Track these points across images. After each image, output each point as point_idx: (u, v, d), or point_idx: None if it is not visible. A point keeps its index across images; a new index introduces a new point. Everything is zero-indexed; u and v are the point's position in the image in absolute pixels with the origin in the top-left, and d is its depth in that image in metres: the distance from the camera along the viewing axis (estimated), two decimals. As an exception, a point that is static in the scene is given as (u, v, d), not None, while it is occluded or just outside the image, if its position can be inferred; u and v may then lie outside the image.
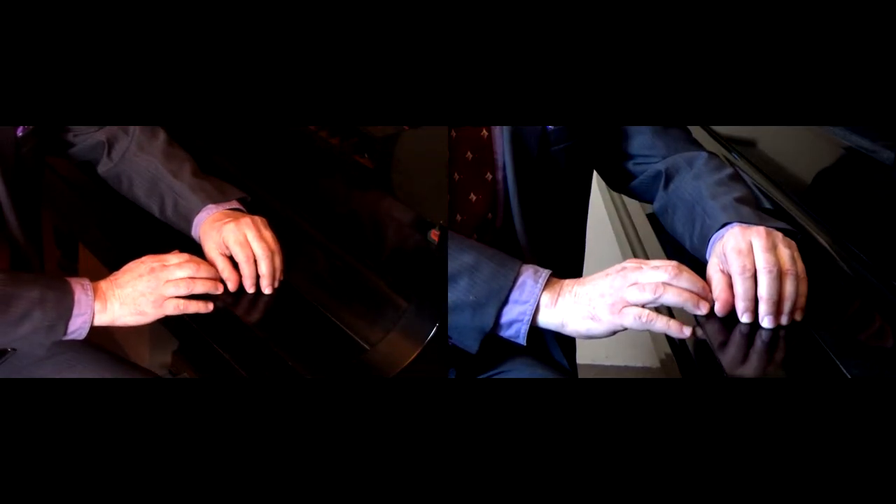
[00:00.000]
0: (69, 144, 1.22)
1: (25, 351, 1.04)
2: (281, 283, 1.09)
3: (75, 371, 1.09)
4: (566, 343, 1.10)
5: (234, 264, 1.08)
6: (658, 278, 0.89)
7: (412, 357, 0.97)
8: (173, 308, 1.04)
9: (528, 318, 0.92)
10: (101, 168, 1.22)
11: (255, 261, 1.07)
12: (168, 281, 1.03)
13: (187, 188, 1.15)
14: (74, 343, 1.13)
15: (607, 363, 2.37)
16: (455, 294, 0.92)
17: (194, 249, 1.08)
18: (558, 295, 0.92)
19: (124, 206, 1.23)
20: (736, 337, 0.87)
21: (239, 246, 1.07)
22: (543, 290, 0.92)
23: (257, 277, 1.08)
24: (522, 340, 0.93)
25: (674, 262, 0.90)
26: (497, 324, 0.92)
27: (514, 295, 0.92)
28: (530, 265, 0.94)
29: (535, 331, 1.05)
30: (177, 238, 1.14)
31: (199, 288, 1.05)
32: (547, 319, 0.93)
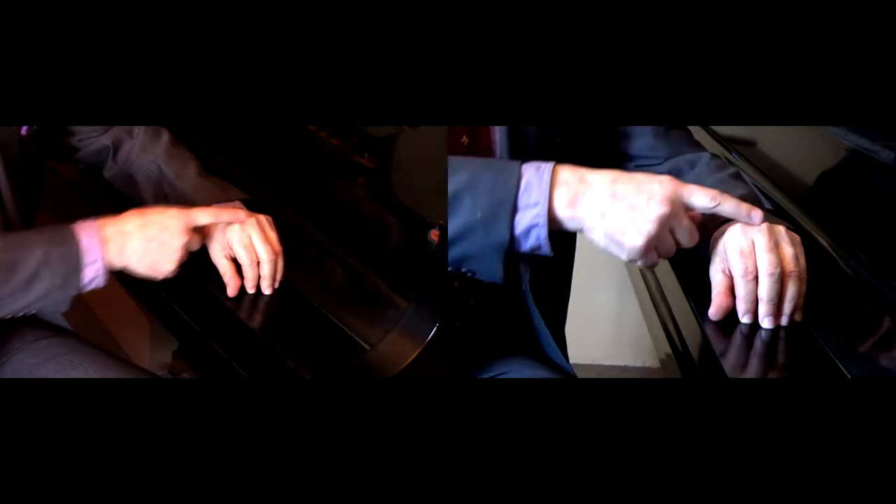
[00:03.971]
0: (74, 149, 1.22)
1: (48, 310, 0.99)
2: (281, 283, 1.09)
3: (76, 371, 1.09)
4: (561, 342, 1.10)
5: (237, 266, 1.08)
6: (702, 203, 0.86)
7: (412, 357, 0.97)
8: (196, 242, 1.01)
9: (543, 220, 0.85)
10: (107, 172, 1.22)
11: (259, 263, 1.07)
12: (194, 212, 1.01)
13: (190, 188, 1.15)
14: (75, 343, 1.13)
15: (607, 363, 2.38)
16: (461, 217, 0.85)
17: (198, 250, 1.08)
18: (575, 198, 0.85)
19: (124, 207, 1.23)
20: (736, 337, 0.87)
21: (244, 249, 1.07)
22: (555, 185, 0.85)
23: (258, 278, 1.08)
24: (546, 248, 0.86)
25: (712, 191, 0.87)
26: (513, 238, 0.85)
27: (522, 200, 0.85)
28: (532, 163, 0.86)
29: (532, 331, 1.06)
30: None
31: (225, 217, 1.04)
32: (565, 223, 0.86)
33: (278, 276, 1.09)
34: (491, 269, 0.87)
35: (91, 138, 1.21)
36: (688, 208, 0.87)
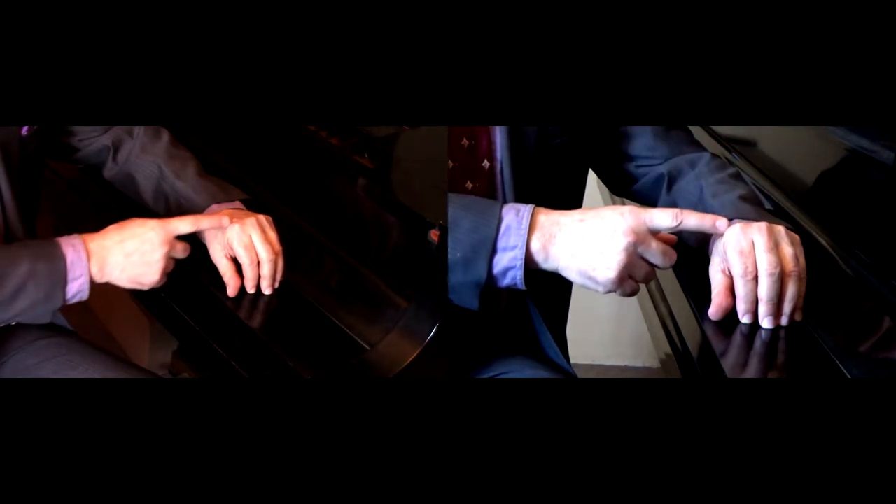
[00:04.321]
0: (74, 149, 1.22)
1: (30, 322, 1.00)
2: (281, 283, 1.09)
3: (76, 371, 1.09)
4: (562, 342, 1.10)
5: (237, 266, 1.08)
6: (665, 223, 0.88)
7: (412, 357, 0.97)
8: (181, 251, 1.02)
9: (520, 262, 0.89)
10: (107, 172, 1.22)
11: (259, 263, 1.07)
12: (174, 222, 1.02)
13: (190, 188, 1.15)
14: (75, 343, 1.13)
15: (607, 363, 2.38)
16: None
17: (198, 250, 1.08)
18: (548, 241, 0.89)
19: (124, 207, 1.23)
20: (736, 337, 0.87)
21: (244, 249, 1.07)
22: (533, 229, 0.89)
23: (258, 278, 1.08)
24: (522, 286, 0.90)
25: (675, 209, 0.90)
26: (491, 275, 0.90)
27: (501, 243, 0.89)
28: (511, 206, 0.90)
29: (532, 331, 1.06)
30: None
31: (206, 223, 1.05)
32: (541, 264, 0.90)
33: (278, 276, 1.09)
34: (467, 302, 0.91)
35: (91, 138, 1.21)
36: (655, 231, 0.88)
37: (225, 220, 1.06)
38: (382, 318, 1.02)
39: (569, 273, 0.90)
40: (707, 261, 0.93)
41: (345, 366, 0.98)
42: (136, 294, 1.22)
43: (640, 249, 0.88)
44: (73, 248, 0.97)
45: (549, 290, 1.07)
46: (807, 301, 0.89)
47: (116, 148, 1.21)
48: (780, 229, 0.90)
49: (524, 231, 0.89)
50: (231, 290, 1.08)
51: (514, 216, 0.89)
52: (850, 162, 1.06)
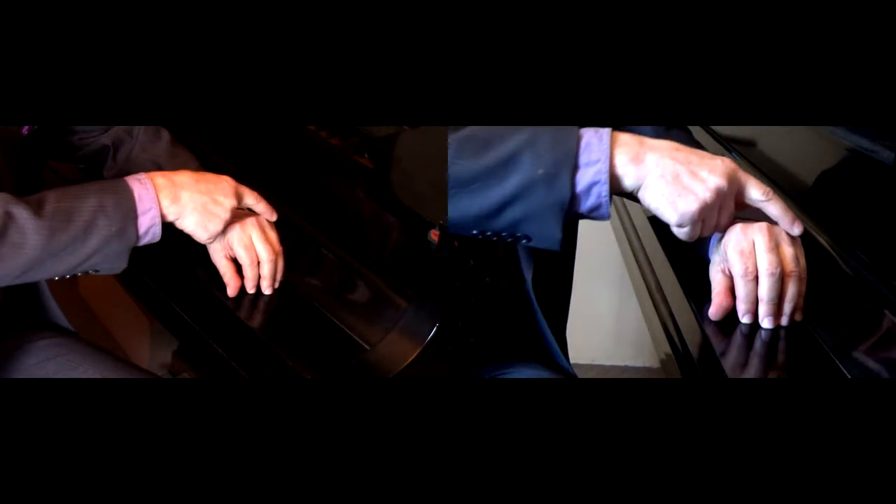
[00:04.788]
0: (74, 148, 1.22)
1: (108, 267, 0.98)
2: (281, 283, 1.09)
3: (76, 371, 1.09)
4: (562, 342, 1.10)
5: (237, 266, 1.08)
6: (755, 195, 0.88)
7: (412, 357, 0.97)
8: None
9: (604, 177, 0.84)
10: (107, 172, 1.22)
11: (259, 263, 1.07)
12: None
13: None
14: (75, 343, 1.13)
15: (608, 363, 2.38)
16: (521, 174, 0.84)
17: (198, 250, 1.08)
18: (635, 158, 0.85)
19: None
20: (736, 337, 0.87)
21: (244, 249, 1.07)
22: (615, 145, 0.85)
23: (258, 278, 1.08)
24: (606, 208, 0.86)
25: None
26: (574, 196, 0.85)
27: (583, 157, 0.84)
28: (589, 128, 0.86)
29: (532, 331, 1.06)
30: (179, 239, 1.14)
31: (261, 208, 1.07)
32: (624, 181, 0.86)
33: (278, 276, 1.09)
34: (549, 231, 0.86)
35: (91, 138, 1.21)
36: (739, 194, 0.88)
37: (274, 214, 1.08)
38: (382, 318, 1.02)
39: (650, 194, 0.85)
40: (707, 261, 0.93)
41: (345, 366, 0.98)
42: (136, 294, 1.23)
43: (724, 202, 0.86)
44: (139, 183, 0.96)
45: (550, 291, 1.08)
46: (807, 301, 0.89)
47: (116, 148, 1.21)
48: (780, 230, 0.91)
49: (606, 146, 0.85)
50: (231, 290, 1.08)
51: (593, 134, 0.85)
52: (850, 162, 1.06)
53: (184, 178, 1.00)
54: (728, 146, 1.36)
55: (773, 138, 1.26)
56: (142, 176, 0.98)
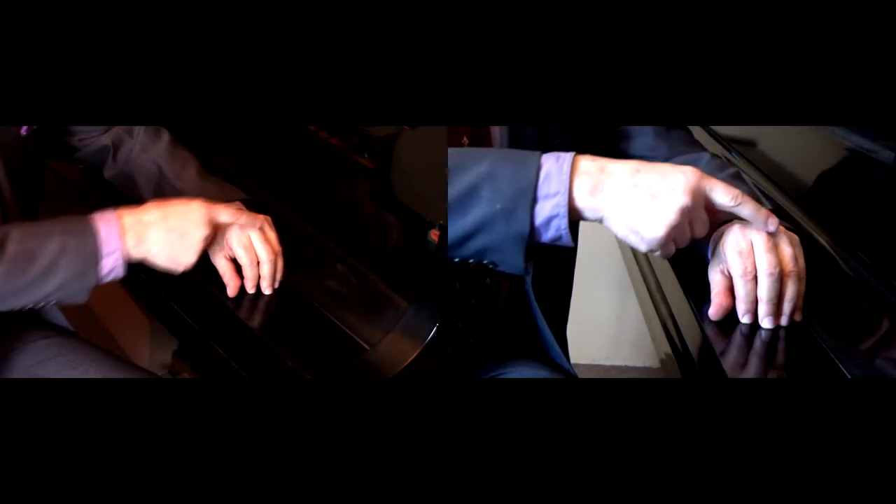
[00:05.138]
0: (74, 149, 1.22)
1: (67, 301, 0.97)
2: (281, 283, 1.09)
3: (76, 371, 1.09)
4: (563, 342, 1.10)
5: (237, 266, 1.08)
6: (723, 200, 0.85)
7: (412, 357, 0.97)
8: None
9: (563, 210, 0.84)
10: (107, 172, 1.22)
11: (258, 263, 1.07)
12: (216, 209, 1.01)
13: (190, 189, 1.15)
14: (75, 343, 1.13)
15: (608, 363, 2.38)
16: (481, 208, 0.84)
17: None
18: (595, 188, 0.84)
19: (124, 207, 1.23)
20: (736, 337, 0.87)
21: (243, 249, 1.07)
22: (575, 175, 0.84)
23: (258, 278, 1.08)
24: (567, 239, 0.85)
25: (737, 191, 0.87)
26: (534, 228, 0.84)
27: (542, 190, 0.84)
28: (551, 153, 0.86)
29: (533, 331, 1.06)
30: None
31: (243, 220, 1.04)
32: (585, 213, 0.85)
33: (278, 276, 1.09)
34: (513, 261, 0.86)
35: (91, 138, 1.21)
36: (707, 202, 0.87)
37: (260, 219, 1.06)
38: (382, 318, 1.02)
39: (614, 224, 0.85)
40: (706, 261, 0.93)
41: (345, 366, 0.98)
42: (136, 294, 1.23)
43: (693, 215, 0.85)
44: (105, 223, 0.95)
45: (550, 291, 1.07)
46: (807, 301, 0.89)
47: (116, 148, 1.21)
48: (780, 229, 0.91)
49: (566, 176, 0.84)
50: (231, 291, 1.08)
51: (553, 162, 0.85)
52: (850, 162, 1.06)
53: (151, 215, 0.97)
54: (728, 146, 1.36)
55: (773, 138, 1.26)
56: (110, 215, 0.95)
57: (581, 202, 0.85)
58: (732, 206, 0.86)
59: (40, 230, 0.94)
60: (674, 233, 0.84)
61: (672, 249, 0.87)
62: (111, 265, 0.95)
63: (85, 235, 0.93)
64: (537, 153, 0.85)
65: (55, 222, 0.95)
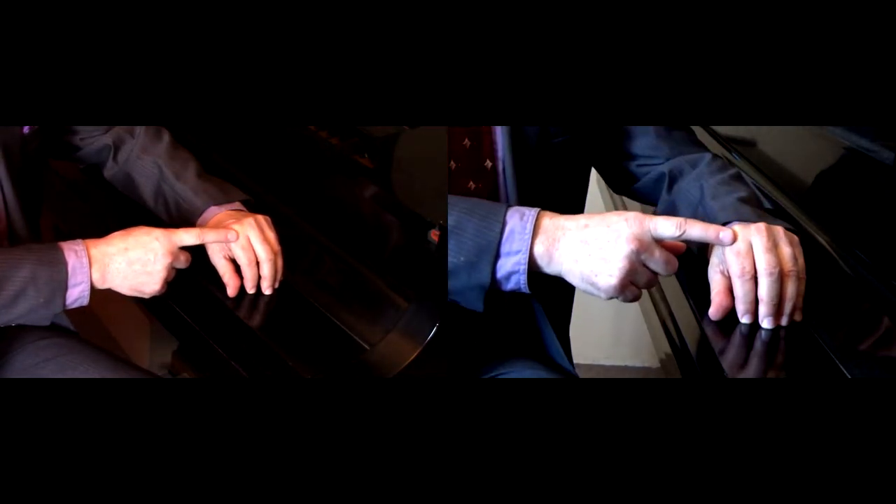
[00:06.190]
0: (75, 148, 1.22)
1: (31, 323, 1.00)
2: (281, 283, 1.09)
3: (76, 371, 1.09)
4: (565, 342, 1.10)
5: (236, 266, 1.08)
6: (668, 232, 0.87)
7: (412, 357, 0.97)
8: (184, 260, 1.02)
9: (523, 267, 0.89)
10: (108, 171, 1.22)
11: (258, 263, 1.07)
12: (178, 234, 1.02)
13: (190, 190, 1.15)
14: (75, 344, 1.13)
15: (607, 363, 2.38)
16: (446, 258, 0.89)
17: (198, 251, 1.08)
18: (552, 245, 0.89)
19: (124, 207, 1.23)
20: (736, 337, 0.87)
21: (242, 249, 1.07)
22: (537, 234, 0.89)
23: (258, 278, 1.08)
24: (526, 290, 0.90)
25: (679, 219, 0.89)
26: (494, 279, 0.89)
27: (505, 247, 0.88)
28: (516, 209, 0.90)
29: (535, 331, 1.06)
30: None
31: (211, 237, 1.05)
32: (544, 269, 0.90)
33: (278, 276, 1.09)
34: (472, 305, 0.91)
35: (92, 138, 1.21)
36: (658, 239, 0.88)
37: (231, 234, 1.06)
38: (382, 318, 1.02)
39: (571, 278, 0.89)
40: (707, 261, 0.93)
41: (345, 366, 0.98)
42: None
43: (643, 257, 0.87)
44: (75, 254, 0.97)
45: (552, 291, 1.07)
46: (807, 301, 0.89)
47: (117, 148, 1.21)
48: (779, 230, 0.91)
49: (528, 235, 0.88)
50: (231, 291, 1.08)
51: (518, 220, 0.89)
52: (850, 162, 1.06)
53: (114, 246, 0.99)
54: (728, 146, 1.36)
55: (773, 138, 1.26)
56: (78, 246, 0.98)
57: (540, 260, 0.89)
58: (679, 236, 0.88)
59: (12, 256, 0.96)
60: (627, 278, 0.87)
61: (634, 293, 0.89)
62: (77, 295, 0.98)
63: (55, 265, 0.96)
64: (503, 208, 0.90)
65: (26, 249, 0.98)
